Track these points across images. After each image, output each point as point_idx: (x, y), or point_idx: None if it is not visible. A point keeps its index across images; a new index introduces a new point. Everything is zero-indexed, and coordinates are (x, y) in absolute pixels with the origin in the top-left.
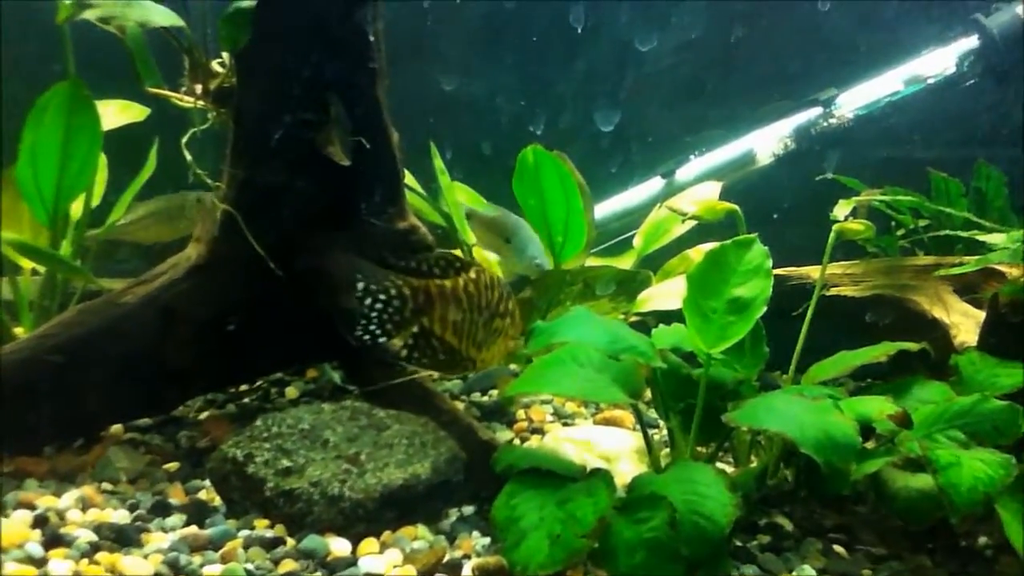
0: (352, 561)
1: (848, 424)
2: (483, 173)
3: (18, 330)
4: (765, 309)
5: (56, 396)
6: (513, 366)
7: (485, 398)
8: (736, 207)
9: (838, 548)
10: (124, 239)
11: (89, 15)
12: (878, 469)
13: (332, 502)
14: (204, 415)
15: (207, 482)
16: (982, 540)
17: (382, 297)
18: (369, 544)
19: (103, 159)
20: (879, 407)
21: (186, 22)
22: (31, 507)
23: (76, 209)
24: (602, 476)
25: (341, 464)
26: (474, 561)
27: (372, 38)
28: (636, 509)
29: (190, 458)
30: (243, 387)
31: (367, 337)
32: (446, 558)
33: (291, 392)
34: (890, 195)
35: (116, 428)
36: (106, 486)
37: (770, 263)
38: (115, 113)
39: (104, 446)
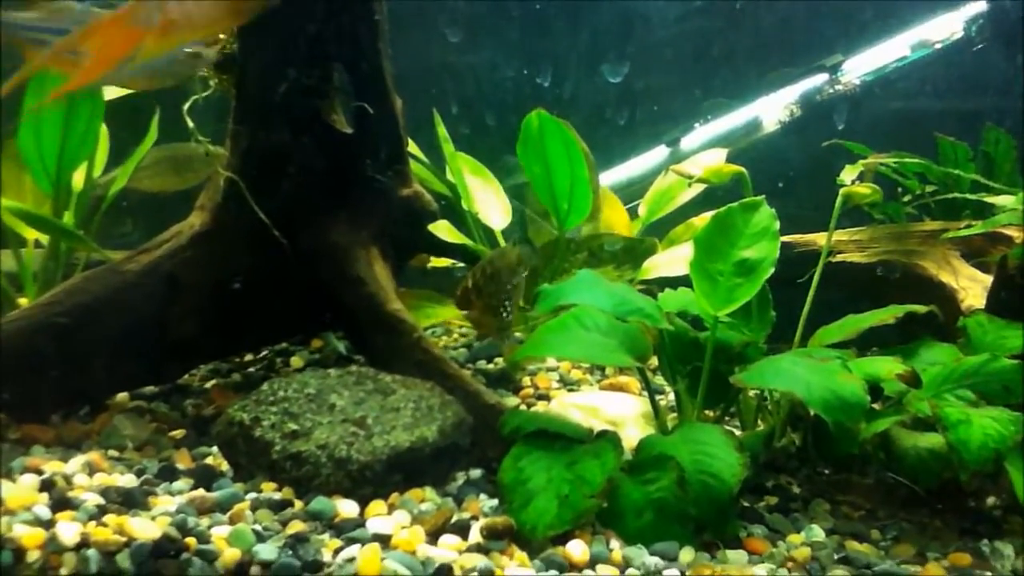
0: (360, 523)
1: (857, 383)
2: (484, 142)
3: (22, 301)
4: (772, 271)
5: (61, 364)
6: (518, 334)
7: (491, 366)
8: (743, 169)
9: (845, 509)
10: (131, 189)
11: None
12: (886, 428)
13: (339, 465)
14: (209, 384)
15: (214, 449)
16: (990, 500)
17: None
18: (377, 506)
19: (104, 130)
20: (888, 367)
21: None
22: (38, 472)
23: (78, 180)
24: (610, 438)
25: (348, 427)
26: (482, 522)
27: (375, 3)
28: (644, 470)
29: (196, 426)
30: (248, 357)
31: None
32: (454, 519)
33: (296, 362)
34: (897, 159)
35: (122, 396)
36: (112, 453)
37: (777, 225)
38: None
39: (110, 414)
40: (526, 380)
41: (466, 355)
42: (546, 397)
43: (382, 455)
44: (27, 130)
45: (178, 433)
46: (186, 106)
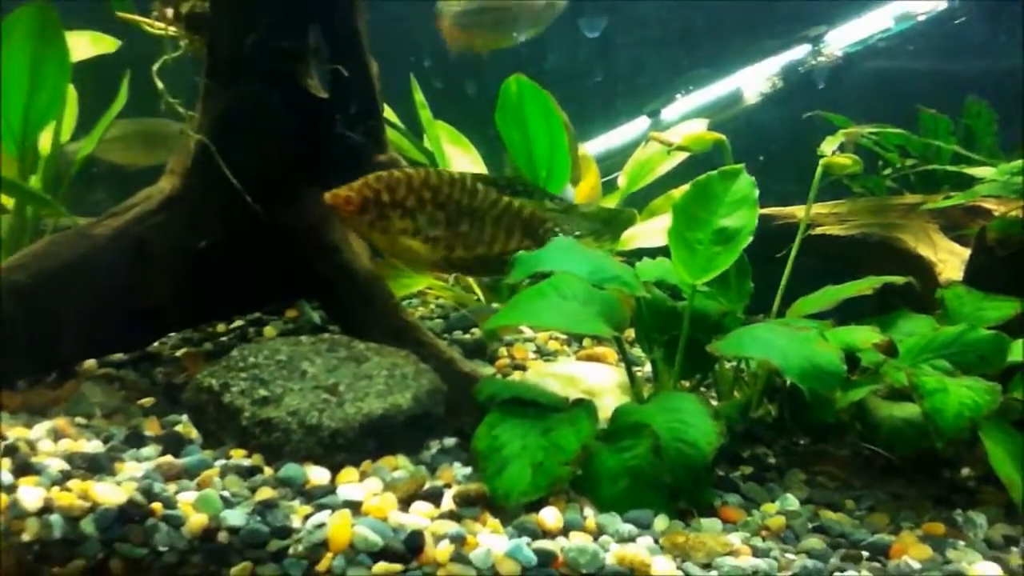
0: (331, 489)
1: (833, 352)
2: (461, 111)
3: None
4: (750, 240)
5: (27, 329)
6: (495, 304)
7: (467, 336)
8: (723, 137)
9: (821, 479)
10: (100, 159)
11: None
12: (862, 398)
13: (310, 431)
14: (180, 352)
15: (184, 417)
16: (965, 471)
17: None
18: (348, 473)
19: (72, 93)
20: (865, 336)
21: None
22: (1, 437)
23: (45, 144)
24: (585, 406)
25: (320, 394)
26: (455, 489)
27: None
28: (619, 438)
29: (166, 394)
30: (220, 327)
31: None
32: (426, 486)
33: (269, 331)
34: (878, 131)
35: (90, 363)
36: (80, 420)
37: (757, 193)
38: (86, 44)
39: (78, 381)
40: (503, 351)
41: (442, 325)
42: (523, 367)
43: (354, 422)
44: None
45: (147, 401)
46: (155, 66)
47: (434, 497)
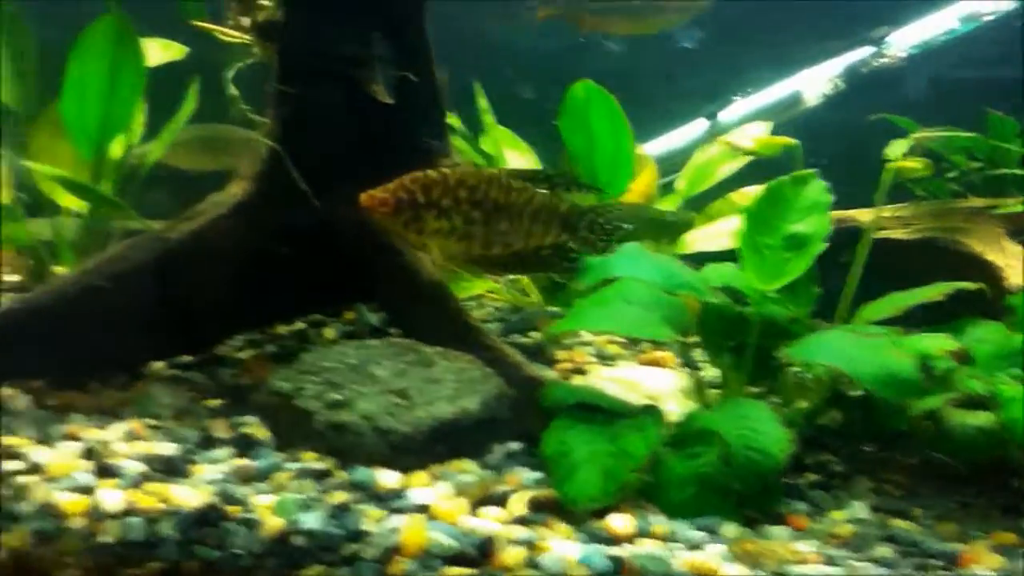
0: (402, 493)
1: (909, 360)
2: (515, 117)
3: (57, 269)
4: (824, 246)
5: (100, 331)
6: (553, 307)
7: (525, 339)
8: (795, 141)
9: (887, 487)
10: (162, 163)
11: None
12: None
13: (382, 435)
14: (245, 355)
15: (251, 419)
16: None
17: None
18: (418, 477)
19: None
20: (939, 343)
21: None
22: (77, 439)
23: (116, 148)
24: (652, 412)
25: (390, 398)
26: (527, 494)
27: None
28: (688, 444)
29: (233, 395)
30: (281, 328)
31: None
32: (495, 491)
33: (328, 333)
34: (947, 134)
35: (158, 365)
36: (149, 421)
37: (829, 199)
38: (157, 51)
39: (146, 383)
40: (562, 354)
41: (500, 328)
42: (582, 371)
43: (424, 426)
44: (71, 95)
45: (214, 402)
46: (230, 73)
47: (503, 501)
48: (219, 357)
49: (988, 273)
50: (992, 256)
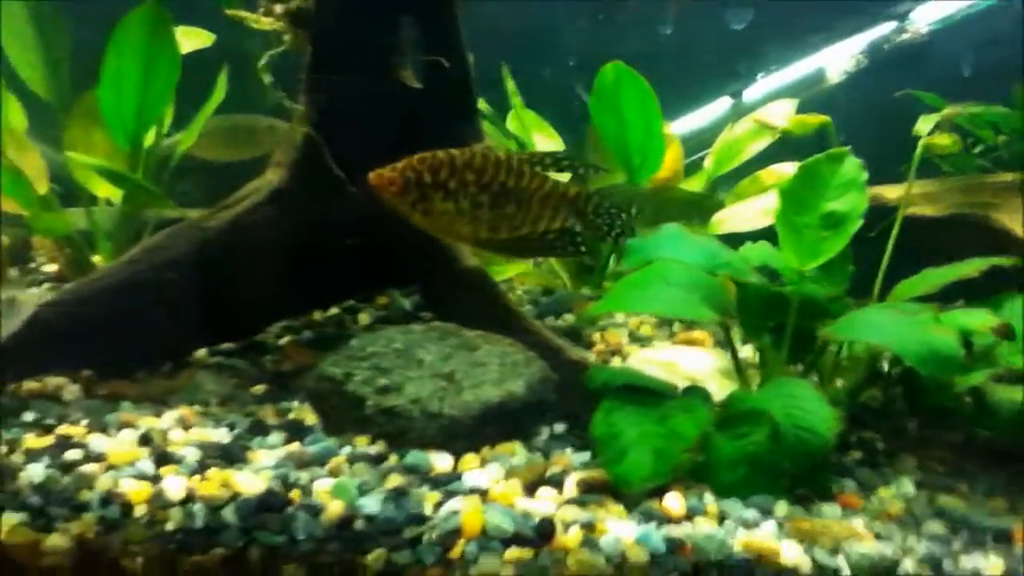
0: (456, 476)
1: (951, 336)
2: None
3: (95, 258)
4: (860, 223)
5: (145, 320)
6: (585, 289)
7: (559, 322)
8: (827, 119)
9: (932, 464)
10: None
11: None
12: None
13: (432, 419)
14: (283, 340)
15: (296, 403)
16: None
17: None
18: (470, 460)
19: None
20: (981, 320)
21: None
22: (133, 427)
23: (148, 138)
24: (699, 393)
25: (438, 382)
26: (577, 475)
27: None
28: (735, 424)
29: (276, 381)
30: (316, 314)
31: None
32: (547, 473)
33: (363, 318)
34: (976, 112)
35: (201, 353)
36: (197, 408)
37: (865, 176)
38: (182, 40)
39: (191, 370)
40: (596, 336)
41: (533, 311)
42: (619, 352)
43: (473, 409)
44: (107, 86)
45: (259, 388)
46: (262, 61)
47: (556, 483)
48: (259, 344)
49: (1018, 247)
50: (1021, 230)
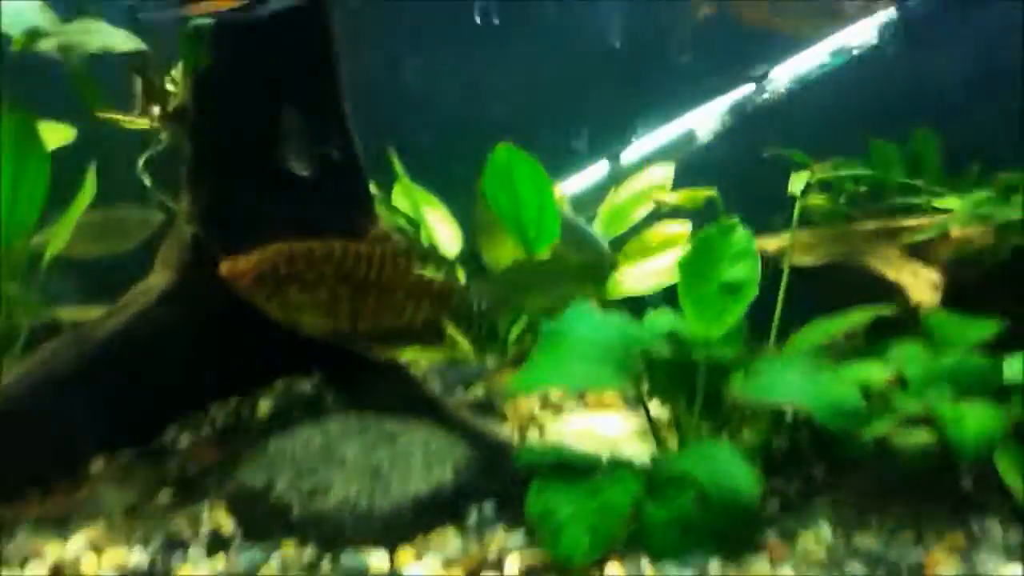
0: (395, 573)
1: (853, 391)
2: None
3: None
4: (757, 290)
5: (34, 440)
6: (489, 360)
7: (469, 396)
8: (716, 193)
9: (843, 506)
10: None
11: (46, 46)
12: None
13: (363, 519)
14: (186, 442)
15: (206, 507)
16: (966, 484)
17: None
18: (406, 554)
19: None
20: (878, 372)
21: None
22: (39, 557)
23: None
24: (626, 465)
25: (365, 479)
26: (516, 557)
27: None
28: (664, 490)
29: (180, 484)
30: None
31: None
32: (487, 557)
33: (263, 407)
34: (841, 167)
35: (99, 464)
36: (103, 523)
37: (755, 244)
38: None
39: (91, 483)
40: (507, 404)
41: (440, 386)
42: (533, 420)
43: (404, 504)
44: None
45: (164, 495)
46: (142, 160)
47: (497, 567)
48: (159, 447)
49: (894, 291)
50: (894, 275)
